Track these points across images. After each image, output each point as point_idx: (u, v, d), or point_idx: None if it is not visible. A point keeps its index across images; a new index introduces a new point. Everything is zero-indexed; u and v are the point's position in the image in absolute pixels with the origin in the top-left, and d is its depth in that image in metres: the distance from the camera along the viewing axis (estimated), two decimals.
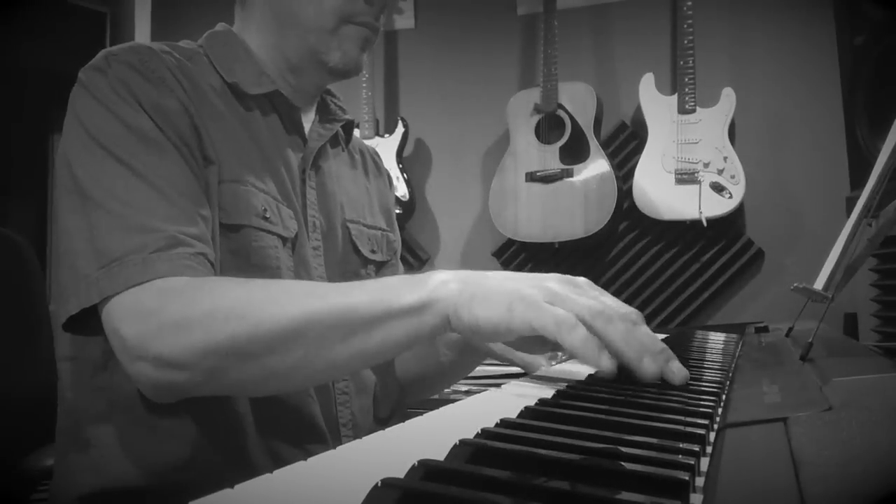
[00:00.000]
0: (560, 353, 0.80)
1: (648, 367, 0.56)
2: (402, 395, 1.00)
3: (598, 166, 2.30)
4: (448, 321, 0.62)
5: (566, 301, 0.59)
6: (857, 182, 1.88)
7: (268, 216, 0.79)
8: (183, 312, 0.64)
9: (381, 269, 0.98)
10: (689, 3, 2.22)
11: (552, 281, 0.62)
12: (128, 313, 0.65)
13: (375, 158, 1.08)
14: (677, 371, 0.56)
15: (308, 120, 0.93)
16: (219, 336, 0.63)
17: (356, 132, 1.03)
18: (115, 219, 0.68)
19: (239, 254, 0.76)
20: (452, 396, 1.59)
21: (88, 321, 0.69)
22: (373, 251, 0.96)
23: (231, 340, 0.63)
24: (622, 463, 0.32)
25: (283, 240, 0.81)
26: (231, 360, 0.64)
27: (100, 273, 0.66)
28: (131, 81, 0.74)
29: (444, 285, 0.63)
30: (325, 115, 0.96)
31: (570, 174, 2.31)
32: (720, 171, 2.16)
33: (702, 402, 0.48)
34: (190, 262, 0.68)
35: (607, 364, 0.56)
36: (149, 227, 0.68)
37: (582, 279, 0.64)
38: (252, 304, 0.64)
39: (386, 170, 1.10)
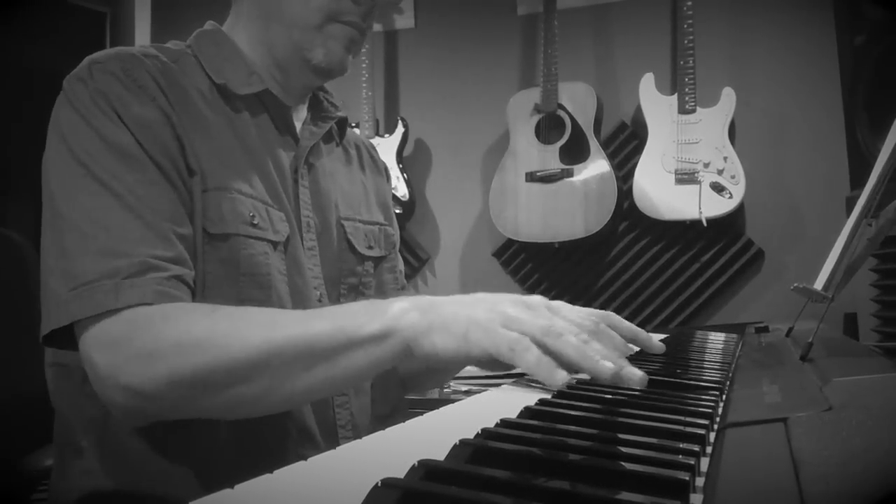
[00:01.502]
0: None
1: (603, 368, 0.58)
2: (402, 392, 1.00)
3: (598, 166, 2.30)
4: (409, 349, 0.64)
5: (520, 323, 0.61)
6: (857, 182, 1.88)
7: (256, 222, 0.78)
8: (150, 344, 0.65)
9: (379, 264, 0.98)
10: (689, 3, 2.22)
11: (506, 304, 0.63)
12: (98, 342, 0.67)
13: (372, 152, 1.07)
14: (633, 375, 0.58)
15: (299, 118, 0.92)
16: (184, 368, 0.64)
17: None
18: (87, 240, 0.68)
19: (228, 263, 0.76)
20: (452, 396, 1.59)
21: (64, 337, 0.69)
22: (369, 247, 0.96)
23: (195, 372, 0.64)
24: (622, 463, 0.32)
25: (274, 244, 0.80)
26: (197, 391, 0.66)
27: (69, 295, 0.67)
28: (112, 93, 0.73)
29: (404, 314, 0.64)
30: (317, 112, 0.95)
31: (570, 174, 2.31)
32: (720, 171, 2.16)
33: (702, 402, 0.48)
34: (162, 287, 0.68)
35: (561, 380, 0.57)
36: (121, 252, 0.68)
37: (536, 298, 0.65)
38: (216, 335, 0.66)
39: (383, 163, 1.09)
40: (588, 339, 0.61)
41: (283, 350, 0.64)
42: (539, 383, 0.61)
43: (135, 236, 0.69)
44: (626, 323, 0.71)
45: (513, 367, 0.62)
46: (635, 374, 0.57)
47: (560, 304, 0.66)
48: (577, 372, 0.60)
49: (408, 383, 1.02)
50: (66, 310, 0.67)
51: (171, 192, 0.73)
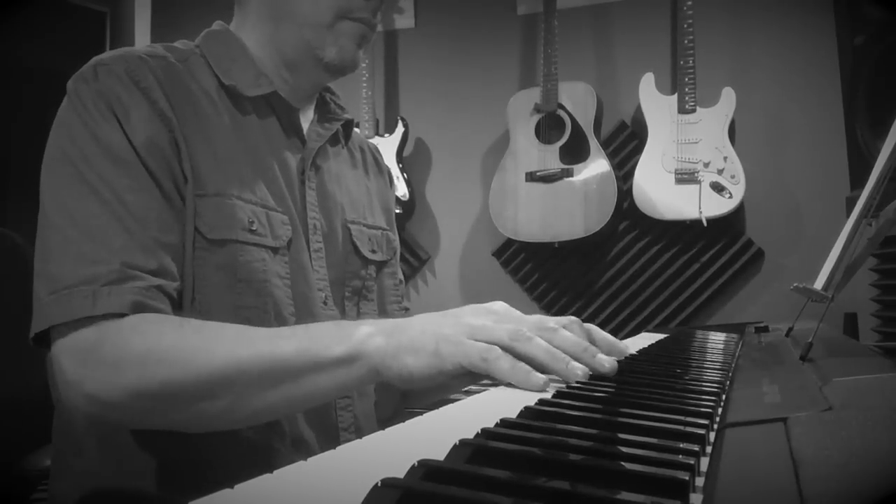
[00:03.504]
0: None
1: (574, 370, 0.59)
2: (402, 400, 1.00)
3: (598, 166, 2.30)
4: (377, 372, 0.64)
5: (486, 332, 0.61)
6: (857, 182, 1.88)
7: (254, 228, 0.78)
8: (116, 355, 0.66)
9: (381, 269, 0.98)
10: (689, 3, 2.22)
11: (469, 315, 0.64)
12: (69, 348, 0.67)
13: (376, 155, 1.07)
14: (606, 362, 0.60)
15: (306, 119, 0.92)
16: (148, 381, 0.65)
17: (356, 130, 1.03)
18: (69, 245, 0.69)
19: (225, 269, 0.76)
20: (452, 396, 1.59)
21: (49, 339, 0.70)
22: (373, 251, 0.96)
23: (161, 385, 0.65)
24: (622, 463, 0.32)
25: (273, 250, 0.80)
26: (160, 404, 0.66)
27: (49, 299, 0.68)
28: (113, 95, 0.74)
29: (369, 338, 0.64)
30: (324, 113, 0.95)
31: (570, 174, 2.31)
32: (720, 171, 2.16)
33: (702, 402, 0.48)
34: (139, 297, 0.68)
35: (539, 383, 0.57)
36: (101, 259, 0.68)
37: (498, 304, 0.66)
38: (182, 350, 0.66)
39: (386, 167, 1.09)
40: (553, 336, 0.61)
41: (247, 368, 0.65)
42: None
43: (117, 245, 0.69)
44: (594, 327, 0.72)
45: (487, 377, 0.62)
46: (605, 361, 0.60)
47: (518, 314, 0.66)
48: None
49: (407, 395, 1.01)
50: (46, 313, 0.68)
51: (160, 200, 0.73)
